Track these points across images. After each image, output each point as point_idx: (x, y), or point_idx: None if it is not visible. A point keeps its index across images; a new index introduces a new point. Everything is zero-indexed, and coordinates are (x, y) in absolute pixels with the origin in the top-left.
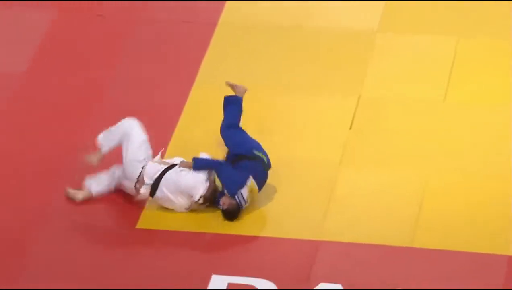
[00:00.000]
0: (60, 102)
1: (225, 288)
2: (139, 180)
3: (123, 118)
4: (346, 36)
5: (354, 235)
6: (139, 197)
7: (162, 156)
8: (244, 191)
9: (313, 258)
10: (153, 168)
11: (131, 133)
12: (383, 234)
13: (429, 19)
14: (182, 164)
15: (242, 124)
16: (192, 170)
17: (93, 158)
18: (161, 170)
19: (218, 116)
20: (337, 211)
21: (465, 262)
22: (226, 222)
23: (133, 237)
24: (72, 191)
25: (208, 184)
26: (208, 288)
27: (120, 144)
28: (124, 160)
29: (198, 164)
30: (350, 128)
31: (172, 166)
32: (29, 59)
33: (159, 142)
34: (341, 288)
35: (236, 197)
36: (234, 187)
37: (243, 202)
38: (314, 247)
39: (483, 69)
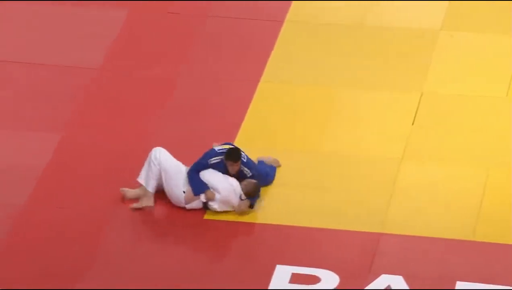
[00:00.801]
0: (133, 96)
1: (288, 278)
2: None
3: (192, 112)
4: (409, 34)
5: (416, 228)
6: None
7: None
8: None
9: (375, 250)
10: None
11: (165, 166)
12: (444, 227)
13: (491, 18)
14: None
15: (307, 119)
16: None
17: (130, 193)
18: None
19: (283, 112)
20: (399, 205)
21: None
22: (290, 214)
23: (201, 227)
24: (124, 190)
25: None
26: (272, 278)
27: (159, 178)
28: (166, 190)
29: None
30: (413, 124)
31: None
32: (104, 55)
33: (225, 137)
34: (402, 279)
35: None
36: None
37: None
38: (376, 239)
39: None
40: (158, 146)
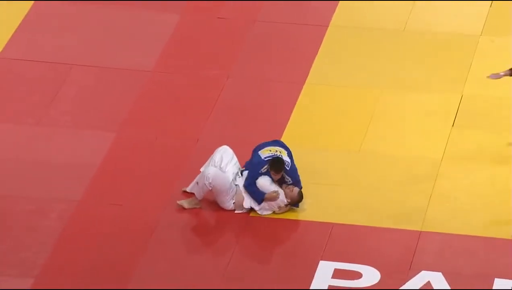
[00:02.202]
0: (183, 97)
1: (331, 273)
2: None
3: (241, 111)
4: (450, 39)
5: (455, 226)
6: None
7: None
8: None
9: (415, 247)
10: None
11: (217, 189)
12: (482, 226)
13: None
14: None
15: (350, 119)
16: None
17: (185, 203)
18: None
19: (327, 112)
20: (439, 204)
21: None
22: (333, 211)
23: (247, 223)
24: (180, 202)
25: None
26: (316, 273)
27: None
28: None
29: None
30: (453, 125)
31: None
32: (156, 58)
33: (271, 137)
34: (442, 276)
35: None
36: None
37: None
38: (416, 237)
39: None
40: (209, 142)
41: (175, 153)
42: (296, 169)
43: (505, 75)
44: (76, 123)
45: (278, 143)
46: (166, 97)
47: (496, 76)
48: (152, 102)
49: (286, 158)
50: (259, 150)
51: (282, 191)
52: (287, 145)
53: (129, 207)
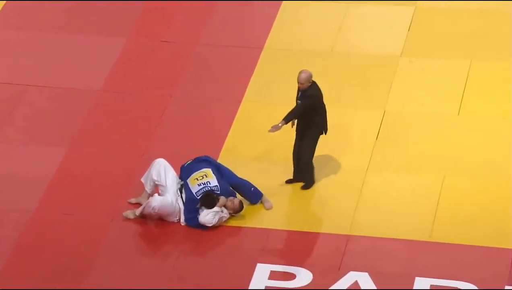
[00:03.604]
0: (130, 115)
1: (268, 274)
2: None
3: (183, 127)
4: (373, 60)
5: (380, 230)
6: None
7: None
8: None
9: (344, 250)
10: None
11: (163, 212)
12: (404, 229)
13: (445, 45)
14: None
15: (285, 133)
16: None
17: (130, 214)
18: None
19: (262, 127)
20: (365, 210)
21: (476, 254)
22: (269, 219)
23: (189, 230)
24: (125, 213)
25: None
26: (254, 274)
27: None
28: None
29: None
30: (376, 138)
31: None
32: (104, 78)
33: (212, 148)
34: (368, 276)
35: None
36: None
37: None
38: (344, 240)
39: (492, 87)
40: (154, 156)
41: (123, 166)
42: (229, 172)
43: (282, 125)
44: (30, 139)
45: (201, 162)
46: (113, 115)
47: (275, 129)
48: (100, 119)
49: (213, 181)
50: (186, 176)
51: (222, 208)
52: (210, 157)
53: (81, 217)
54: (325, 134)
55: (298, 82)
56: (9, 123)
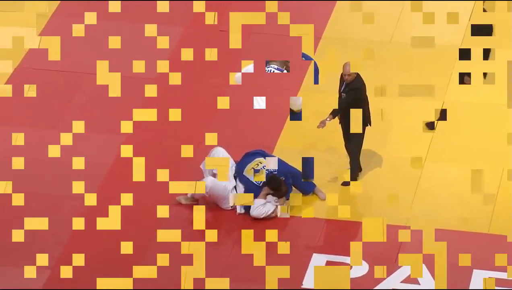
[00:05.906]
0: (186, 103)
1: (324, 265)
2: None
3: (238, 119)
4: (431, 50)
5: (437, 221)
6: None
7: None
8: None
9: (401, 242)
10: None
11: (214, 194)
12: (462, 221)
13: (506, 35)
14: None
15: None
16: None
17: (182, 200)
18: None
19: (316, 121)
20: (422, 201)
21: None
22: (327, 209)
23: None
24: (178, 198)
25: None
26: (309, 264)
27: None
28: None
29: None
30: (435, 129)
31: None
32: (161, 67)
33: (266, 141)
34: (425, 268)
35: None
36: None
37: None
38: (401, 232)
39: None
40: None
41: (179, 154)
42: (282, 161)
43: (330, 120)
44: (88, 127)
45: (252, 155)
46: (169, 103)
47: (323, 124)
48: (157, 107)
49: (269, 166)
50: (241, 170)
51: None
52: (260, 150)
53: (137, 203)
54: (370, 125)
55: (345, 74)
56: (67, 111)
